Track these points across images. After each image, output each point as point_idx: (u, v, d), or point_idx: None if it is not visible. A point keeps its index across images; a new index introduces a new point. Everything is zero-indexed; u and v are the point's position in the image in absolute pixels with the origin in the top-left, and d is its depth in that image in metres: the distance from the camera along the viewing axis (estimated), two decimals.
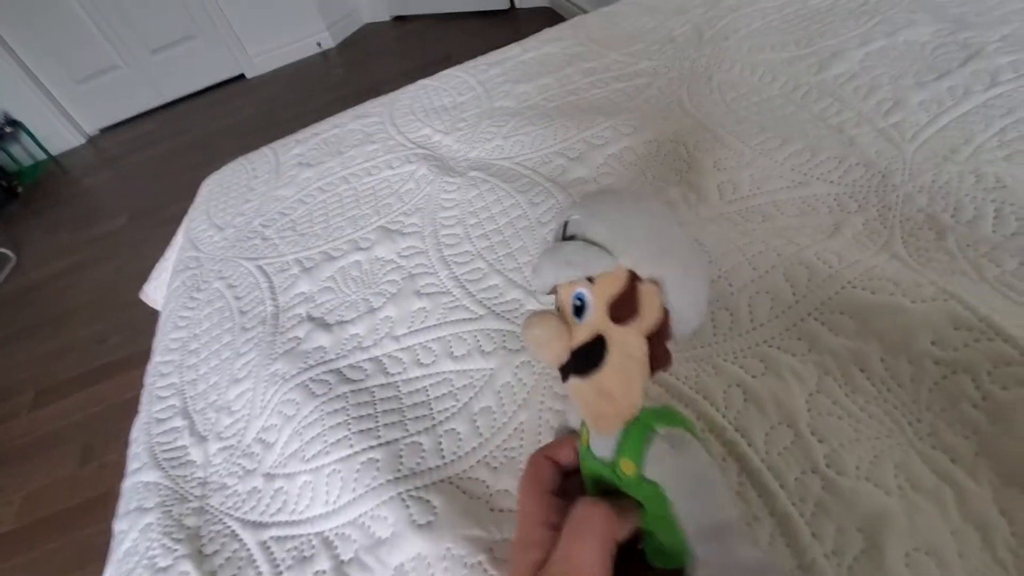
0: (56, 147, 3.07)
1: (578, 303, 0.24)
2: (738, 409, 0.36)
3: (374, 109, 0.86)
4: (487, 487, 0.37)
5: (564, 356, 0.24)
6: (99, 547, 1.26)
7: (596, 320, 0.24)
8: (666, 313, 0.24)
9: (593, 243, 0.24)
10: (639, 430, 0.23)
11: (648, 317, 0.24)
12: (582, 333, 0.24)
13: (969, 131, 0.47)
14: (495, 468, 0.38)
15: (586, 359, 0.24)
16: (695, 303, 0.25)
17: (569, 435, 0.30)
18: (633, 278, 0.24)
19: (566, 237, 0.26)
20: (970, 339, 0.33)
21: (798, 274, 0.40)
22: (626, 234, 0.24)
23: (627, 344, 0.24)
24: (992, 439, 0.29)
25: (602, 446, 0.25)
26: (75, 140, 3.11)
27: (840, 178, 0.48)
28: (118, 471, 0.51)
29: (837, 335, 0.37)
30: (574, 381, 0.25)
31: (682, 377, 0.38)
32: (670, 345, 0.25)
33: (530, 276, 0.25)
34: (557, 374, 0.26)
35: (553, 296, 0.27)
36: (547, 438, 0.38)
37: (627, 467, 0.24)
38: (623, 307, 0.23)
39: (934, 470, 0.30)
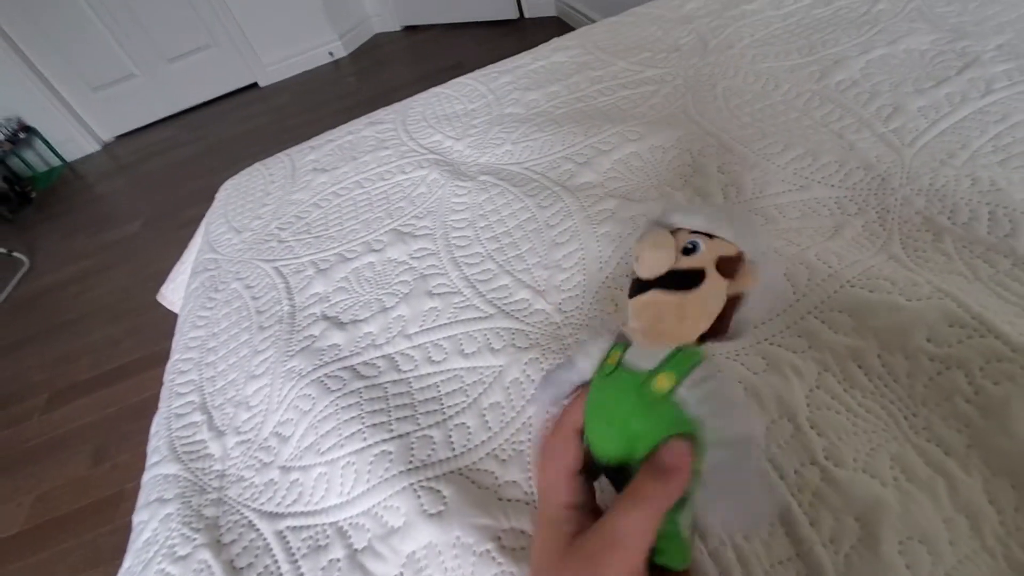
0: (71, 153, 3.13)
1: (690, 246, 0.28)
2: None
3: (387, 116, 0.88)
4: (496, 478, 0.38)
5: (663, 268, 0.27)
6: (110, 547, 1.28)
7: (704, 260, 0.27)
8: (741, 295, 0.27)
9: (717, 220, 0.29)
10: (691, 353, 0.26)
11: (740, 283, 0.27)
12: (687, 262, 0.27)
13: (966, 136, 0.49)
14: (504, 460, 0.39)
15: (684, 279, 0.27)
16: (764, 302, 0.28)
17: (580, 394, 0.30)
18: (741, 256, 0.28)
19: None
20: (963, 336, 0.34)
21: (799, 274, 0.41)
22: (745, 230, 0.28)
23: (719, 288, 0.27)
24: (984, 432, 0.31)
25: (644, 356, 0.27)
26: (90, 147, 3.17)
27: (840, 182, 0.49)
28: (130, 472, 0.53)
29: (836, 332, 0.38)
30: (655, 295, 0.27)
31: None
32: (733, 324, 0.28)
33: (663, 206, 0.30)
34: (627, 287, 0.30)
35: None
36: None
37: (664, 381, 0.25)
38: (728, 265, 0.27)
39: (928, 462, 0.31)
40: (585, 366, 0.30)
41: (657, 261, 0.27)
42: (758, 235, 0.29)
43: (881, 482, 0.31)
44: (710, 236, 0.28)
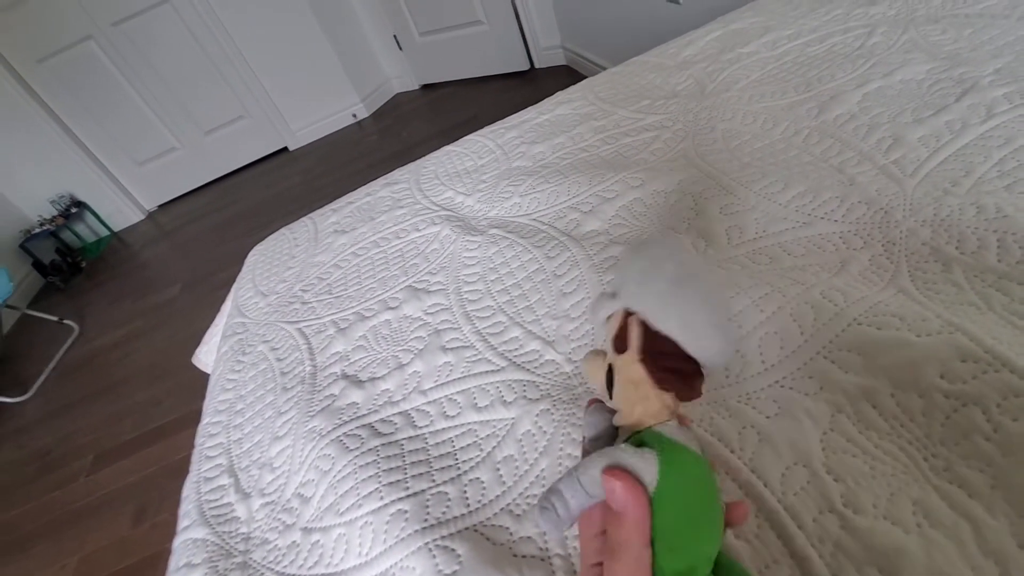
0: (118, 224, 3.35)
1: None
2: (753, 450, 0.36)
3: (402, 176, 0.92)
4: (510, 534, 0.38)
5: (602, 384, 0.30)
6: None
7: (609, 354, 0.29)
8: (660, 339, 0.27)
9: (611, 289, 0.30)
10: (630, 443, 0.27)
11: (633, 343, 0.27)
12: (605, 366, 0.30)
13: (969, 163, 0.48)
14: (518, 515, 0.39)
15: (609, 384, 0.29)
16: (694, 327, 0.26)
17: None
18: (628, 315, 0.28)
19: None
20: (978, 371, 0.33)
21: (804, 313, 0.41)
22: (623, 277, 0.29)
23: (626, 370, 0.27)
24: (1006, 471, 0.29)
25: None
26: (135, 216, 3.39)
27: (843, 217, 0.50)
28: (169, 531, 0.55)
29: (847, 372, 0.37)
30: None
31: (696, 420, 0.39)
32: (702, 384, 0.28)
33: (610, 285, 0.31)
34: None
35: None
36: None
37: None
38: (619, 340, 0.28)
39: (951, 505, 0.30)
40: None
41: (593, 383, 0.31)
42: (639, 271, 0.28)
43: (904, 529, 0.30)
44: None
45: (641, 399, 0.27)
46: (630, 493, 0.24)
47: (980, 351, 0.34)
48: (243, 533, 0.49)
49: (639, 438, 0.26)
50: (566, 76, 2.70)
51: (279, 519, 0.48)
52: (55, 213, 3.08)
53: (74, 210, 3.12)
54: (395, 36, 3.22)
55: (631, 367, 0.27)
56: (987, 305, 0.38)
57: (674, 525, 0.24)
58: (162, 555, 1.33)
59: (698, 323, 0.26)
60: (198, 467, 0.58)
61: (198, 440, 0.62)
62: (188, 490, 0.57)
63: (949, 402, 0.33)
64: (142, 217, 3.42)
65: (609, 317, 0.29)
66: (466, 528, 0.39)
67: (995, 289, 0.39)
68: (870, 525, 0.31)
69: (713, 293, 0.27)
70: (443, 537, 0.39)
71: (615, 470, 0.24)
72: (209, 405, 0.66)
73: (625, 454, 0.25)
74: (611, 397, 0.29)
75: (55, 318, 2.40)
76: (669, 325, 0.26)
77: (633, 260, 0.29)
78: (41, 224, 3.02)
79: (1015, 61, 0.57)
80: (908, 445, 0.33)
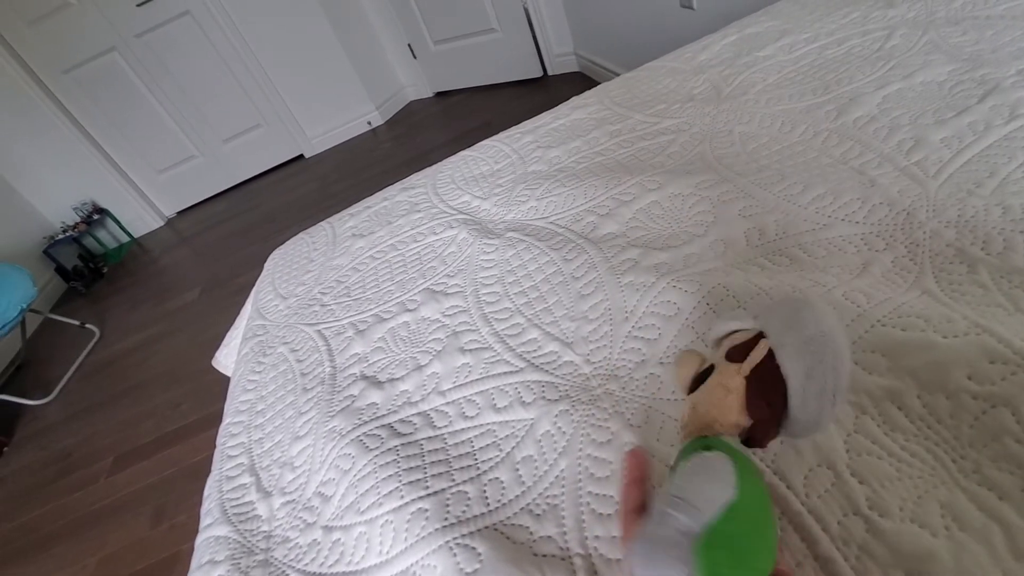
0: (138, 230, 3.42)
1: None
2: (775, 451, 0.36)
3: (419, 180, 0.93)
4: (530, 533, 0.38)
5: (685, 381, 0.32)
6: None
7: (716, 357, 0.31)
8: (774, 375, 0.28)
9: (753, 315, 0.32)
10: (691, 446, 0.29)
11: (751, 360, 0.28)
12: (704, 366, 0.31)
13: (993, 164, 0.48)
14: (538, 515, 0.39)
15: (699, 380, 0.31)
16: (810, 388, 0.27)
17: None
18: (758, 336, 0.29)
19: None
20: (1007, 372, 0.33)
21: None
22: (772, 310, 0.30)
23: (728, 376, 0.29)
24: None
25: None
26: (155, 223, 3.46)
27: (864, 218, 0.49)
28: (187, 532, 0.55)
29: (871, 374, 0.37)
30: (687, 399, 0.31)
31: None
32: (770, 440, 0.29)
33: (719, 319, 0.34)
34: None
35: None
36: (587, 485, 0.39)
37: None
38: (737, 351, 0.30)
39: (981, 508, 0.30)
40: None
41: (677, 376, 0.33)
42: (793, 311, 0.29)
43: (931, 532, 0.30)
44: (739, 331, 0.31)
45: (723, 406, 0.28)
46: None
47: (1009, 352, 0.33)
48: (264, 531, 0.49)
49: (707, 442, 0.28)
50: (579, 82, 2.71)
51: (300, 517, 0.48)
52: (78, 220, 3.15)
53: (96, 217, 3.19)
54: (409, 45, 3.25)
55: (734, 377, 0.29)
56: (1015, 306, 0.37)
57: (743, 532, 0.25)
58: (180, 556, 1.34)
59: (814, 388, 0.27)
60: (220, 466, 0.59)
61: (220, 440, 0.63)
62: (210, 489, 0.58)
63: (978, 403, 0.33)
64: (162, 223, 3.48)
65: (739, 331, 0.31)
66: (486, 527, 0.39)
67: (1022, 290, 0.38)
68: (897, 528, 0.31)
69: (843, 372, 0.27)
70: (464, 536, 0.39)
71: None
72: (230, 405, 0.67)
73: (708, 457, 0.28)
74: (687, 393, 0.31)
75: (77, 322, 2.45)
76: (793, 370, 0.27)
77: (788, 302, 0.31)
78: (64, 230, 3.09)
79: None
80: (935, 447, 0.33)
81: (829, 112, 0.64)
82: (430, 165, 0.98)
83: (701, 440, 0.29)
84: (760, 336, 0.29)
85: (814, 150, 0.60)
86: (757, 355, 0.28)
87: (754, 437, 0.29)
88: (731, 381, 0.29)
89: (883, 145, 0.56)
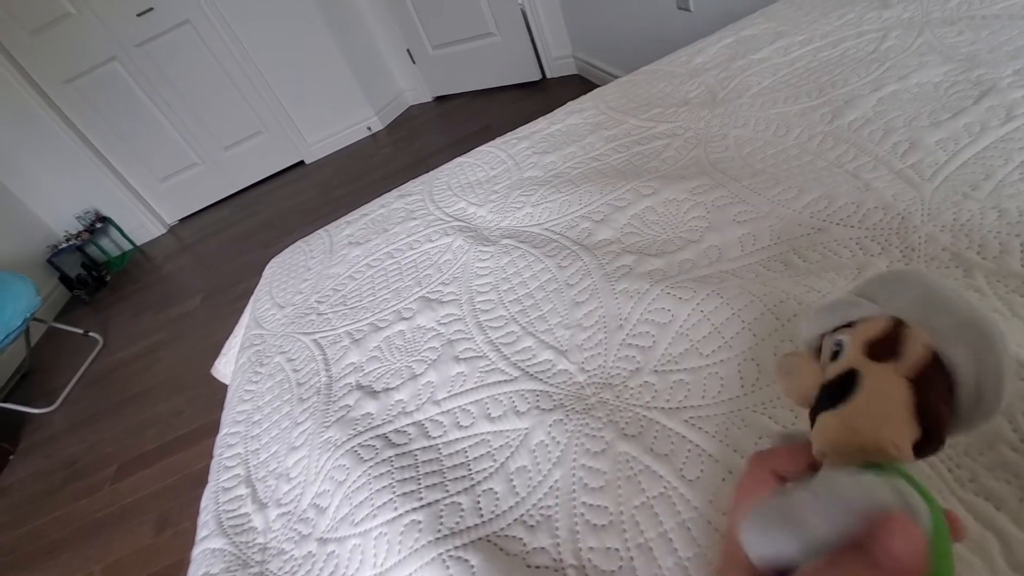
0: (141, 238, 3.44)
1: (836, 348, 0.25)
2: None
3: (415, 188, 0.93)
4: (524, 544, 0.38)
5: (811, 389, 0.25)
6: None
7: (851, 357, 0.24)
8: (936, 368, 0.22)
9: (859, 296, 0.25)
10: (877, 474, 0.21)
11: (911, 356, 0.22)
12: (835, 368, 0.24)
13: (989, 167, 0.47)
14: (532, 526, 0.39)
15: (837, 390, 0.23)
16: (988, 367, 0.22)
17: (794, 445, 0.27)
18: (899, 324, 0.23)
19: None
20: None
21: None
22: (893, 288, 0.25)
23: (883, 381, 0.23)
24: None
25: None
26: (157, 230, 3.47)
27: (859, 222, 0.49)
28: (191, 539, 0.55)
29: None
30: (821, 417, 0.24)
31: (711, 431, 0.39)
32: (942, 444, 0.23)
33: (805, 321, 0.27)
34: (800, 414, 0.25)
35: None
36: (581, 495, 0.39)
37: None
38: (881, 346, 0.23)
39: (977, 518, 0.29)
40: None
41: (792, 390, 0.25)
42: (922, 286, 0.24)
43: None
44: (851, 324, 0.24)
45: (896, 421, 0.22)
46: (916, 556, 0.18)
47: None
48: (260, 543, 0.49)
49: (882, 473, 0.21)
50: (578, 85, 2.71)
51: (295, 529, 0.48)
52: (80, 228, 3.17)
53: (99, 225, 3.20)
54: (408, 50, 3.27)
55: (893, 382, 0.22)
56: (1011, 311, 0.37)
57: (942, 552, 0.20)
58: (184, 563, 1.34)
59: (988, 375, 0.22)
60: (217, 477, 0.59)
61: (217, 450, 0.63)
62: (207, 500, 0.58)
63: None
64: (164, 231, 3.50)
65: (861, 320, 0.24)
66: (479, 538, 0.39)
67: (1019, 295, 0.38)
68: None
69: (1004, 348, 0.22)
70: (457, 547, 0.39)
71: (900, 516, 0.19)
72: (227, 416, 0.67)
73: (902, 483, 0.20)
74: (808, 406, 0.25)
75: (80, 330, 2.46)
76: (964, 357, 0.22)
77: (903, 278, 0.25)
78: (67, 239, 3.11)
79: None
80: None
81: (824, 115, 0.64)
82: (430, 170, 0.98)
83: (873, 469, 0.21)
84: (900, 324, 0.23)
85: (809, 154, 0.60)
86: (915, 348, 0.22)
87: (925, 450, 0.23)
88: (893, 388, 0.22)
89: (878, 148, 0.56)
